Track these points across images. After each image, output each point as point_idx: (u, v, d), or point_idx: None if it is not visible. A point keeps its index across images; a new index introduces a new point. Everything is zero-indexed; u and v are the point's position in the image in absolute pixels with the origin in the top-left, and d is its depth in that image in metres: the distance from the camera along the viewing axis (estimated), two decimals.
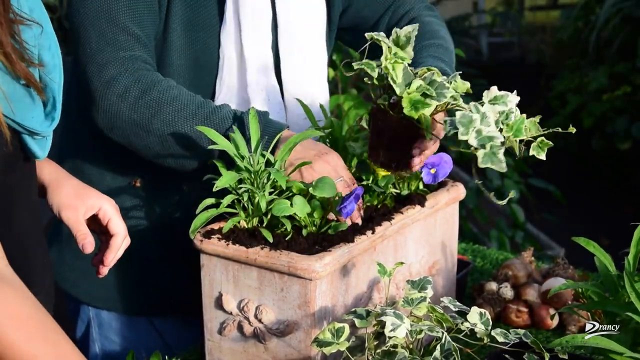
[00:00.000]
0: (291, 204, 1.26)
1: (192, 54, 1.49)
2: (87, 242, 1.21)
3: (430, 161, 1.39)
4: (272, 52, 1.54)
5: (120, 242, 1.25)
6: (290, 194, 1.30)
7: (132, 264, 1.59)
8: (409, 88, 1.20)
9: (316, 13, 1.62)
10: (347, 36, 1.78)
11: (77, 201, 1.23)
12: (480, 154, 1.10)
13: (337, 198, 1.29)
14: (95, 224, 1.27)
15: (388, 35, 1.61)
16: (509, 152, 1.20)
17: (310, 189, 1.27)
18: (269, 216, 1.29)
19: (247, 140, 1.31)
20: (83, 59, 1.40)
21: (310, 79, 1.61)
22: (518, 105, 1.25)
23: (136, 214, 1.57)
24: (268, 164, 1.30)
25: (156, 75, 1.41)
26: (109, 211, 1.25)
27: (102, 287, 1.62)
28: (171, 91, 1.39)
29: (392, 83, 1.21)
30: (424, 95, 1.19)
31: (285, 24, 1.55)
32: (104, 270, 1.27)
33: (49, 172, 1.27)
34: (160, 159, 1.42)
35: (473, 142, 1.10)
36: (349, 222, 1.30)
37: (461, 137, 1.10)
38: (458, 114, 1.13)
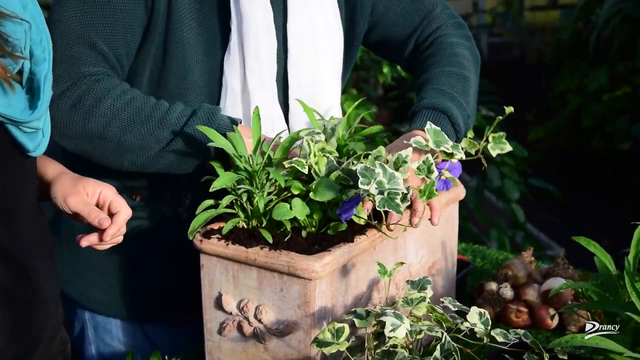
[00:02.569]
0: (290, 207, 1.26)
1: (191, 75, 1.47)
2: (102, 217, 1.21)
3: (440, 167, 1.39)
4: (278, 82, 1.52)
5: (123, 219, 1.24)
6: (289, 195, 1.29)
7: (128, 266, 1.59)
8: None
9: (330, 38, 1.57)
10: (379, 50, 1.76)
11: (79, 187, 1.24)
12: (377, 198, 1.16)
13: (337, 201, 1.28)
14: None
15: (416, 52, 1.63)
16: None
17: (311, 194, 1.27)
18: (268, 217, 1.29)
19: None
20: None
21: (322, 106, 1.58)
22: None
23: (134, 218, 1.56)
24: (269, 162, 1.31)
25: (110, 81, 1.39)
26: (109, 194, 1.26)
27: (96, 288, 1.61)
28: (124, 97, 1.38)
29: (315, 176, 1.29)
30: (342, 185, 1.25)
31: (295, 54, 1.52)
32: (92, 243, 1.25)
33: (52, 170, 1.28)
34: (116, 164, 1.41)
35: (373, 191, 1.16)
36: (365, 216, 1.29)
37: (361, 186, 1.16)
38: (359, 166, 1.18)
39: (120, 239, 1.27)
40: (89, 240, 1.23)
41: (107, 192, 1.26)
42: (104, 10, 1.37)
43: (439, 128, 1.33)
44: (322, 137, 1.36)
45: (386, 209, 1.16)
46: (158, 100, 1.40)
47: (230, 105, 1.48)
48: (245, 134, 1.35)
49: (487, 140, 1.37)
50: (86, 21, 1.37)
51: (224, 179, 1.27)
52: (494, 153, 1.37)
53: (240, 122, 1.40)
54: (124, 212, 1.25)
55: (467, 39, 1.65)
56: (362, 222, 1.27)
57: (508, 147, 1.37)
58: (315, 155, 1.30)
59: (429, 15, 1.64)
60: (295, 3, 1.51)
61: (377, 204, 1.16)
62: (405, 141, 1.34)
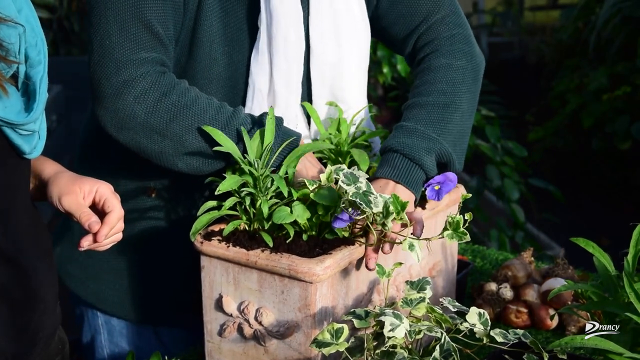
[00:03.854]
0: (291, 211, 1.26)
1: (217, 69, 1.45)
2: (92, 221, 1.20)
3: (435, 180, 1.39)
4: (303, 81, 1.51)
5: (115, 219, 1.23)
6: (292, 199, 1.29)
7: (144, 267, 1.59)
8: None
9: (356, 39, 1.55)
10: (384, 41, 1.72)
11: (75, 187, 1.23)
12: (351, 190, 1.21)
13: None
14: (95, 213, 1.26)
15: (411, 61, 1.61)
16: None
17: (311, 195, 1.27)
18: (270, 221, 1.29)
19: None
20: (99, 52, 1.34)
21: (347, 101, 1.56)
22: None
23: (150, 219, 1.57)
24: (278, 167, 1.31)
25: (172, 77, 1.37)
26: (105, 193, 1.25)
27: (111, 289, 1.61)
28: (189, 94, 1.36)
29: None
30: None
31: (318, 54, 1.50)
32: (91, 245, 1.25)
33: (49, 170, 1.27)
34: (170, 164, 1.38)
35: (351, 189, 1.22)
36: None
37: (341, 184, 1.23)
38: (346, 170, 1.25)
39: (118, 237, 1.26)
40: (88, 240, 1.23)
41: (104, 189, 1.25)
42: None
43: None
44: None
45: (358, 200, 1.18)
46: (222, 103, 1.38)
47: (258, 106, 1.47)
48: (310, 155, 1.36)
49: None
50: (141, 2, 1.33)
51: (229, 182, 1.26)
52: (449, 242, 1.28)
53: (302, 136, 1.39)
54: (117, 211, 1.24)
55: (461, 55, 1.53)
56: (346, 234, 1.30)
57: (467, 238, 1.26)
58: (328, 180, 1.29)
59: (427, 20, 1.56)
60: (319, 2, 1.49)
61: (349, 195, 1.19)
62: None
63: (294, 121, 1.49)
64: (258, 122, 1.36)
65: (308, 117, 1.54)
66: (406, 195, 1.37)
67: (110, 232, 1.22)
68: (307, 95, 1.54)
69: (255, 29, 1.45)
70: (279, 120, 1.37)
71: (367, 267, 1.28)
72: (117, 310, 1.63)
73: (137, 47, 1.33)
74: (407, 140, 1.41)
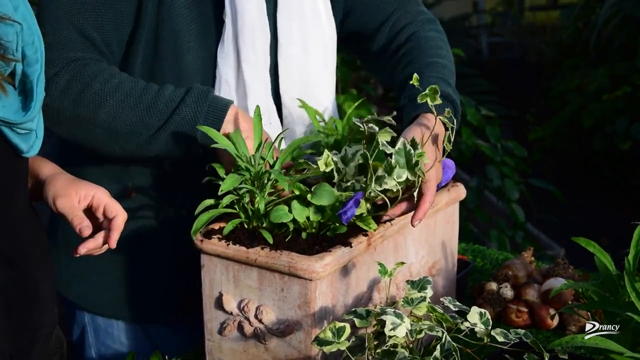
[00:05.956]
0: (289, 209, 1.26)
1: (183, 64, 1.47)
2: (84, 225, 1.20)
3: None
4: (270, 73, 1.53)
5: (122, 223, 1.24)
6: (291, 196, 1.29)
7: (128, 266, 1.59)
8: None
9: (321, 31, 1.59)
10: (350, 44, 1.75)
11: (71, 190, 1.24)
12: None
13: (337, 204, 1.28)
14: (90, 218, 1.27)
15: (389, 46, 1.62)
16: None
17: (309, 196, 1.27)
18: (268, 218, 1.29)
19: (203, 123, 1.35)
20: None
21: (314, 95, 1.59)
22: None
23: (134, 219, 1.56)
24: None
25: (97, 66, 1.40)
26: (103, 197, 1.25)
27: (96, 290, 1.61)
28: (112, 81, 1.38)
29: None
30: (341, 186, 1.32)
31: (286, 45, 1.54)
32: (88, 252, 1.26)
33: (46, 169, 1.27)
34: (107, 151, 1.42)
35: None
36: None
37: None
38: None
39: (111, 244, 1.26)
40: (86, 247, 1.23)
41: (101, 195, 1.25)
42: None
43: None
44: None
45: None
46: (147, 84, 1.40)
47: (225, 97, 1.48)
48: (243, 119, 1.36)
49: None
50: (76, 7, 1.38)
51: (230, 181, 1.26)
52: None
53: (233, 103, 1.40)
54: (121, 215, 1.25)
55: (440, 33, 1.66)
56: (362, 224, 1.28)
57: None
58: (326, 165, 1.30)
59: (401, 7, 1.65)
60: None
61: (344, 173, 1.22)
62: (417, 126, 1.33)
63: (266, 113, 1.51)
64: (182, 101, 1.37)
65: (279, 110, 1.56)
66: (440, 128, 1.37)
67: (118, 236, 1.23)
68: (274, 88, 1.56)
69: (222, 22, 1.48)
70: (208, 90, 1.39)
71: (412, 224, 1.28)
72: (103, 309, 1.63)
73: (66, 48, 1.39)
74: (444, 87, 1.45)
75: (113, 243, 1.23)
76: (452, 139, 1.33)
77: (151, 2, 1.42)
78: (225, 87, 1.49)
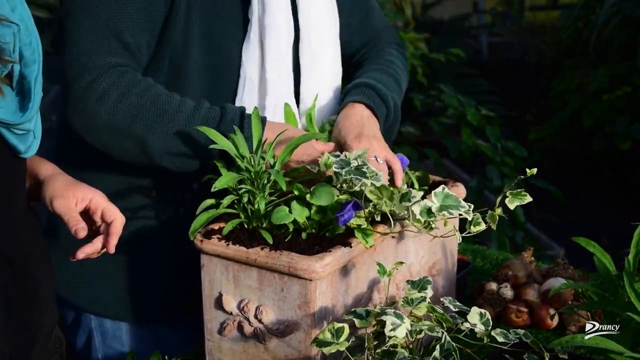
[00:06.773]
0: (289, 210, 1.26)
1: (210, 62, 1.49)
2: (79, 227, 1.20)
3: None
4: (292, 72, 1.55)
5: (120, 226, 1.24)
6: (291, 196, 1.29)
7: (135, 268, 1.59)
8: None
9: (334, 27, 1.64)
10: None
11: (68, 192, 1.23)
12: (344, 172, 1.29)
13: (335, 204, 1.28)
14: (86, 221, 1.26)
15: (355, 70, 1.71)
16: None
17: (308, 197, 1.27)
18: (268, 218, 1.29)
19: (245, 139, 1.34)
20: (68, 57, 1.39)
21: (327, 95, 1.63)
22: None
23: (140, 218, 1.57)
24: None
25: (134, 76, 1.40)
26: (101, 201, 1.25)
27: (97, 291, 1.61)
28: (149, 93, 1.39)
29: None
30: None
31: (307, 42, 1.57)
32: (86, 256, 1.25)
33: (45, 170, 1.27)
34: (135, 161, 1.43)
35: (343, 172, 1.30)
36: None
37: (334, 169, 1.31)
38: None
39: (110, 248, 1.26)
40: (84, 252, 1.23)
41: (99, 199, 1.25)
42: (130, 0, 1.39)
43: (450, 192, 1.30)
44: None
45: (353, 176, 1.26)
46: (182, 99, 1.41)
47: (248, 95, 1.51)
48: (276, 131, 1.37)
49: (505, 196, 1.35)
50: (114, 12, 1.38)
51: (225, 179, 1.27)
52: (511, 206, 1.35)
53: (267, 119, 1.41)
54: (119, 219, 1.25)
55: (402, 55, 1.77)
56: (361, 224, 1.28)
57: (528, 198, 1.36)
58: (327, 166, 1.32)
59: (375, 38, 1.74)
60: None
61: (343, 175, 1.26)
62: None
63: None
64: (221, 121, 1.38)
65: (297, 103, 1.59)
66: (373, 122, 1.50)
67: (117, 240, 1.23)
68: (294, 85, 1.57)
69: (246, 20, 1.49)
70: (242, 109, 1.41)
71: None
72: (111, 311, 1.63)
73: (103, 52, 1.39)
74: (374, 82, 1.57)
75: (111, 248, 1.22)
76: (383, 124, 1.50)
77: (183, 6, 1.43)
78: (249, 85, 1.50)
